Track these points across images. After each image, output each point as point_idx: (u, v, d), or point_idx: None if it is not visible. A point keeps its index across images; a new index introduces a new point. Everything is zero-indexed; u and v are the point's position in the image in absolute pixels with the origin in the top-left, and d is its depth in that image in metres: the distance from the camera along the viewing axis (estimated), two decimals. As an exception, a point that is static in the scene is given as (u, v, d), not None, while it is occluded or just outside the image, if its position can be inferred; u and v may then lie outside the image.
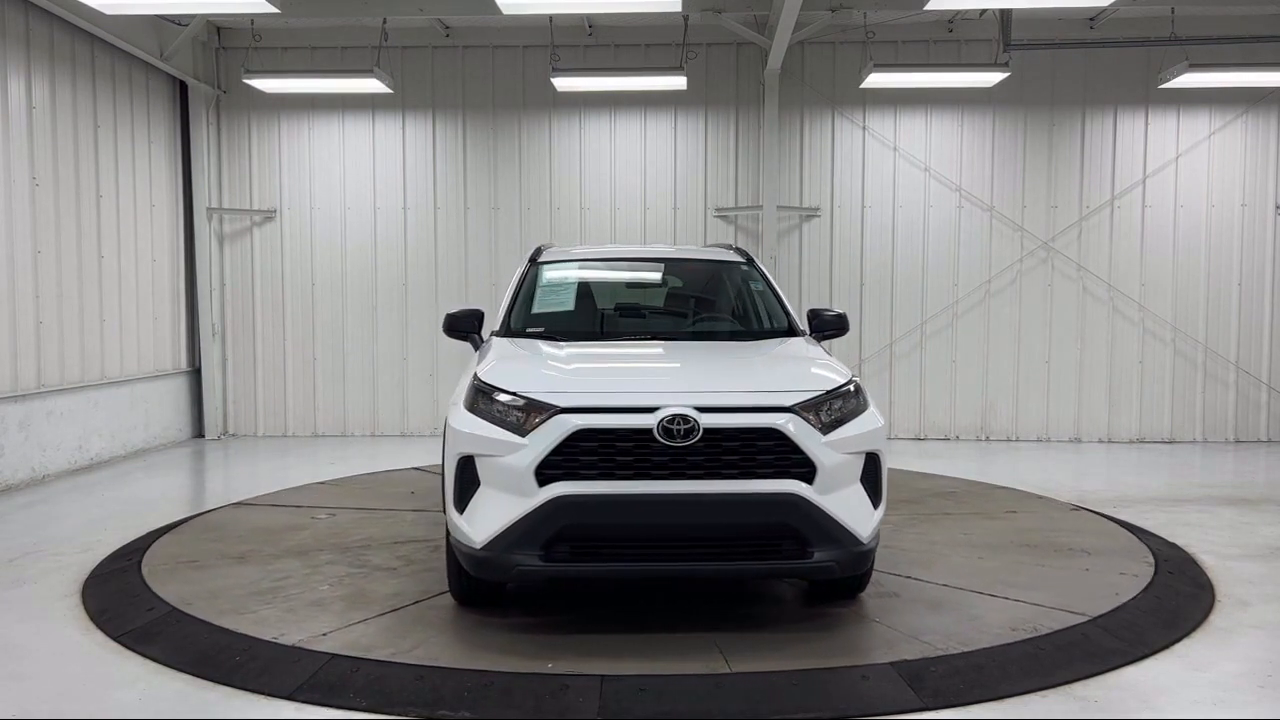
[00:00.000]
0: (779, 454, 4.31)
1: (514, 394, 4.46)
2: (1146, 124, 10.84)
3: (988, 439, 11.01)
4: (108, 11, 8.11)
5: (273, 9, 7.95)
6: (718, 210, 11.02)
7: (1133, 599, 5.13)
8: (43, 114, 8.66)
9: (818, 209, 10.98)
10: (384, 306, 11.21)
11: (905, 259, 11.00)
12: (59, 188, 8.87)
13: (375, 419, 11.24)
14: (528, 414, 4.36)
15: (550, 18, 10.24)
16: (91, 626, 4.83)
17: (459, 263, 11.13)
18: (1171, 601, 5.16)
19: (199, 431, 11.17)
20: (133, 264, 10.00)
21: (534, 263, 6.19)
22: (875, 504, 4.57)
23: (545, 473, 4.25)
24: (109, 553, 6.10)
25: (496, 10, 8.13)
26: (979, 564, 5.87)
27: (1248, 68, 9.88)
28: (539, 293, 5.94)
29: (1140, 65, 10.69)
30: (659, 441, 4.24)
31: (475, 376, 4.70)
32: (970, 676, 4.16)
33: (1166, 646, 4.55)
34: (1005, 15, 9.54)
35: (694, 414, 4.27)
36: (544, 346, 5.24)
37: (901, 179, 10.97)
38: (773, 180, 10.66)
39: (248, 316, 11.26)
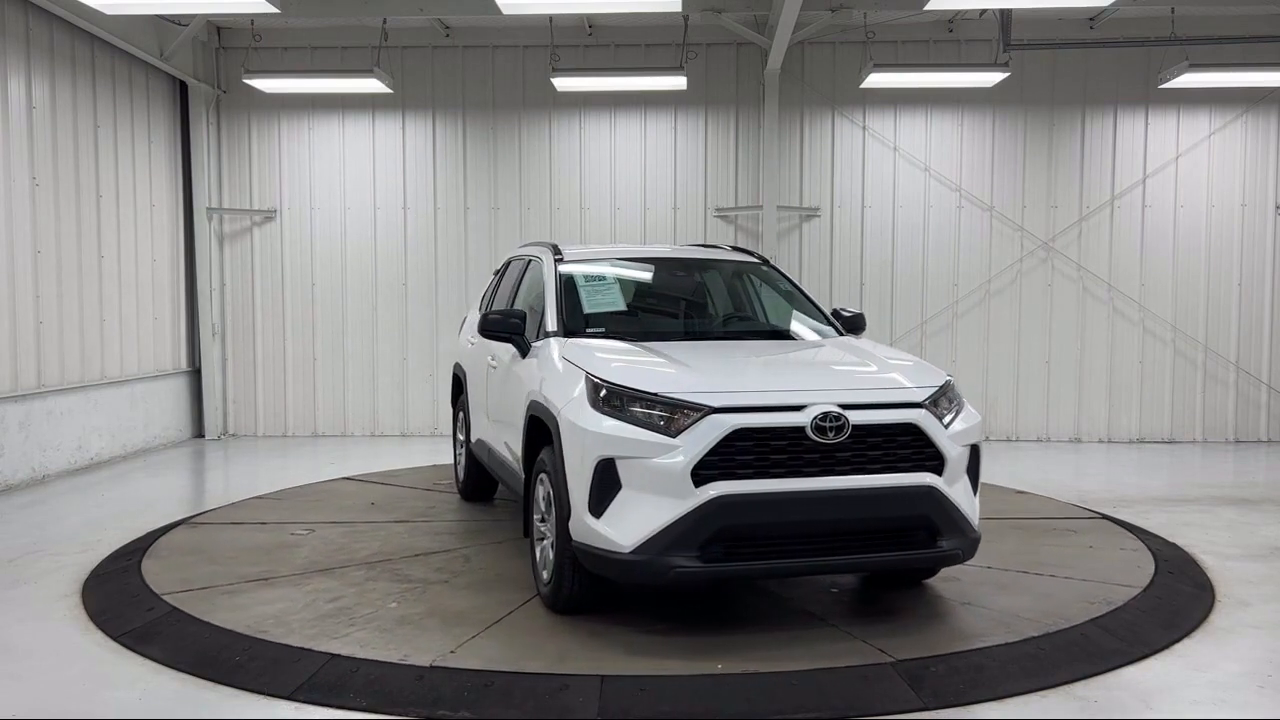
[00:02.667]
0: (915, 448, 4.50)
1: (653, 395, 4.42)
2: (1146, 124, 10.84)
3: (988, 439, 11.00)
4: (108, 11, 8.11)
5: (273, 9, 7.95)
6: (718, 210, 11.02)
7: (1132, 599, 5.14)
8: (43, 114, 8.66)
9: (818, 209, 10.98)
10: (384, 306, 11.20)
11: (905, 259, 10.99)
12: (59, 188, 8.86)
13: (375, 419, 11.24)
14: (673, 414, 4.35)
15: (550, 18, 10.24)
16: (91, 626, 4.83)
17: (459, 263, 11.12)
18: (1171, 601, 5.16)
19: (199, 431, 11.17)
20: (133, 264, 10.00)
21: (559, 262, 6.01)
22: (975, 493, 4.79)
23: (700, 473, 4.25)
24: (109, 553, 6.09)
25: (496, 10, 8.13)
26: (996, 547, 6.03)
27: (1248, 68, 9.88)
28: (583, 294, 5.81)
29: (1140, 65, 10.69)
30: (811, 439, 4.34)
31: (596, 377, 4.60)
32: (970, 676, 4.16)
33: (1166, 646, 4.55)
34: (1005, 15, 9.54)
35: (841, 411, 4.38)
36: (634, 347, 5.12)
37: (901, 179, 10.97)
38: (773, 180, 10.66)
39: (248, 316, 11.26)
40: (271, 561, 5.83)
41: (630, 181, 11.07)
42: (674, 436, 4.30)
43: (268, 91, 10.48)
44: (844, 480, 4.37)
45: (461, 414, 7.55)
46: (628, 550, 4.29)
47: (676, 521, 4.23)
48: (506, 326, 5.66)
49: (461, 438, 7.59)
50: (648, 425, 4.36)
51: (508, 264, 7.39)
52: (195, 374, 11.14)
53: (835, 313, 6.06)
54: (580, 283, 5.89)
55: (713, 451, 4.26)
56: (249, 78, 9.98)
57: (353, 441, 10.90)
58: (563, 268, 5.97)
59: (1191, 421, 10.97)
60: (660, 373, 4.66)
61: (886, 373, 4.92)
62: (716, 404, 4.35)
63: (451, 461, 8.88)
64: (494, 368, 6.28)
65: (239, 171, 11.18)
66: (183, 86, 10.86)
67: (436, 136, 11.12)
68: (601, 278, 6.02)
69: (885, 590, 5.32)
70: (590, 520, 4.42)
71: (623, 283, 6.06)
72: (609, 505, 4.37)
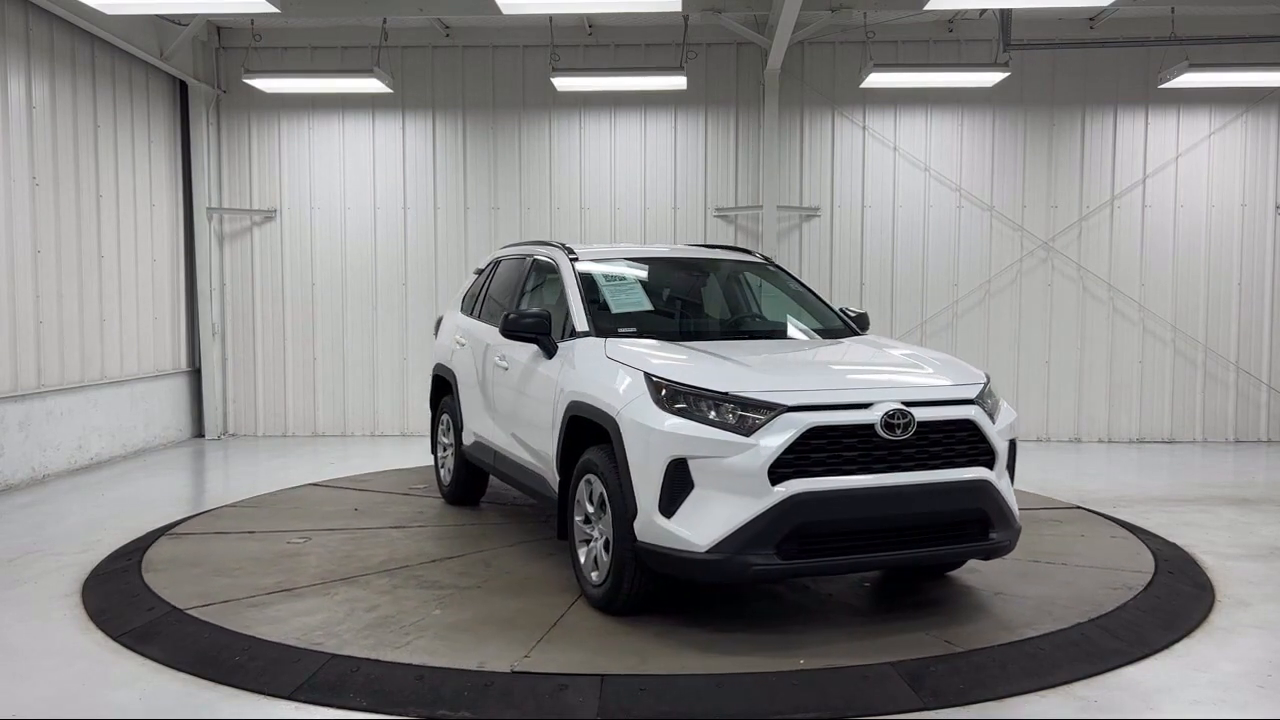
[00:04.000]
0: (970, 443, 4.64)
1: (724, 394, 4.45)
2: (1146, 124, 10.84)
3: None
4: (108, 11, 8.11)
5: (273, 9, 7.95)
6: (718, 210, 11.02)
7: (1132, 599, 5.14)
8: (43, 114, 8.66)
9: (818, 209, 10.98)
10: (384, 306, 11.20)
11: (905, 259, 10.99)
12: (59, 187, 8.86)
13: (375, 419, 11.24)
14: (745, 413, 4.38)
15: (550, 18, 10.23)
16: (91, 626, 4.83)
17: (459, 263, 11.11)
18: (1171, 601, 5.16)
19: (199, 431, 11.17)
20: (133, 264, 10.00)
21: (575, 261, 5.96)
22: (1012, 486, 4.92)
23: (776, 471, 4.29)
24: (109, 553, 6.09)
25: (496, 10, 8.13)
26: None
27: (1248, 68, 9.88)
28: (606, 293, 5.77)
29: (1140, 65, 10.69)
30: (880, 436, 4.42)
31: (657, 376, 4.59)
32: (970, 676, 4.16)
33: (1166, 646, 4.56)
34: (1005, 15, 9.53)
35: (907, 408, 4.47)
36: (675, 345, 5.11)
37: (901, 179, 10.97)
38: (773, 180, 10.66)
39: (248, 316, 11.26)
40: (283, 571, 5.60)
41: (630, 181, 11.07)
42: (748, 435, 4.31)
43: (268, 91, 10.48)
44: (911, 476, 4.47)
45: (447, 416, 7.34)
46: (703, 550, 4.30)
47: (754, 520, 4.26)
48: (534, 327, 5.58)
49: (446, 441, 7.41)
50: (720, 424, 4.38)
51: (496, 263, 7.26)
52: (195, 374, 11.14)
53: (842, 311, 6.15)
54: (602, 282, 5.85)
55: (789, 450, 4.29)
56: (249, 78, 9.98)
57: (353, 441, 10.90)
58: (581, 267, 5.93)
59: (1191, 421, 10.97)
60: (720, 372, 4.66)
61: (935, 371, 4.98)
62: (790, 402, 4.39)
63: (422, 464, 8.77)
64: (504, 368, 6.15)
65: (239, 171, 11.18)
66: (183, 86, 10.86)
67: (436, 136, 11.12)
68: (622, 277, 6.00)
69: (916, 583, 5.37)
70: (661, 520, 4.40)
71: (645, 284, 6.02)
72: (681, 505, 4.37)
